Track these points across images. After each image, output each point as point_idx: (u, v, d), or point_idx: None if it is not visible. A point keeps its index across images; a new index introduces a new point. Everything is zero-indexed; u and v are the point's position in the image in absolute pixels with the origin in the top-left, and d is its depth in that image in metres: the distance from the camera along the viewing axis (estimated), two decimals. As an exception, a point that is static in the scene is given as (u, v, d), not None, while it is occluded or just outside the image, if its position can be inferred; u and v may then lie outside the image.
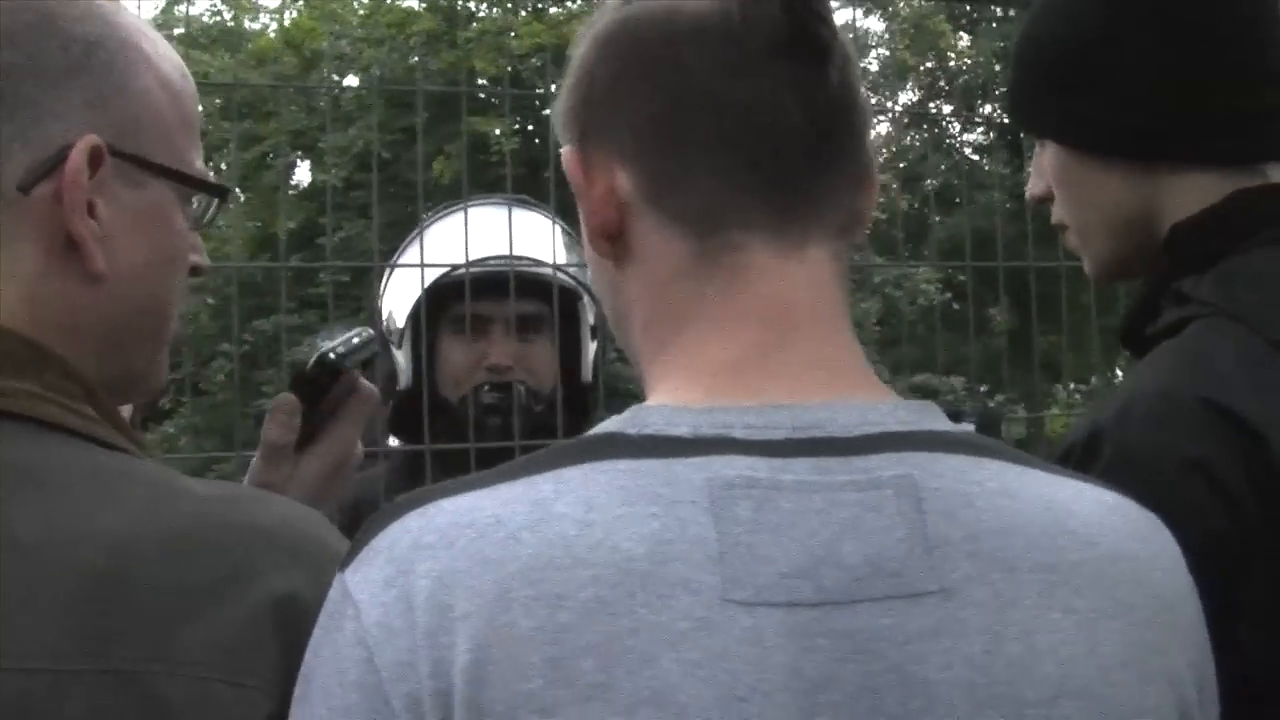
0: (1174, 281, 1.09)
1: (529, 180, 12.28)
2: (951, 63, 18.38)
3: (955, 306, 9.57)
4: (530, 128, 12.26)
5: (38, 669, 0.68)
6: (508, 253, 1.86)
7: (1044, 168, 1.20)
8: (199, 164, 0.91)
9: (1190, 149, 1.11)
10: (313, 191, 16.38)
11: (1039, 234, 2.28)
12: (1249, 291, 1.04)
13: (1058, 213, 1.21)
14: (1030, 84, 1.20)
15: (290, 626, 0.73)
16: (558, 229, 2.00)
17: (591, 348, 2.01)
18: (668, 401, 0.74)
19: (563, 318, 1.94)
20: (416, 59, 13.52)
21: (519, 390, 1.86)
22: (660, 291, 0.80)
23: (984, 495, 0.72)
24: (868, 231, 0.87)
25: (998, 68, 18.06)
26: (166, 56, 0.89)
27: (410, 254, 2.00)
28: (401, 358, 1.94)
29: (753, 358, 0.75)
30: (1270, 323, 1.01)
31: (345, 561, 0.70)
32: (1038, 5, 1.22)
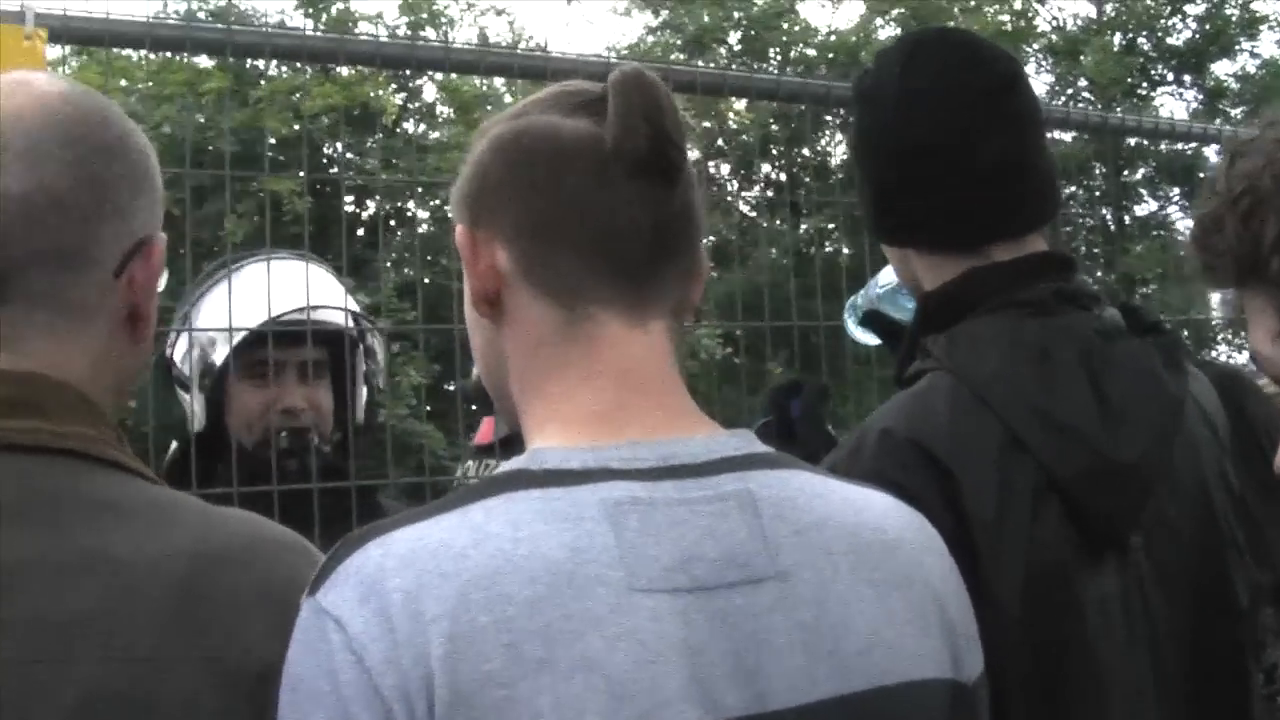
0: (922, 338, 1.38)
1: (319, 237, 12.06)
2: (731, 122, 18.88)
3: (736, 360, 9.82)
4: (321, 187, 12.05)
5: (143, 658, 0.86)
6: (303, 304, 1.96)
7: None
8: None
9: (923, 238, 1.43)
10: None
11: (820, 289, 2.39)
12: (963, 351, 1.32)
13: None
14: (862, 181, 1.51)
15: None
16: (335, 280, 2.14)
17: (363, 393, 2.13)
18: (556, 444, 0.93)
19: (339, 365, 2.06)
20: (208, 117, 13.11)
21: (312, 436, 1.99)
22: (532, 350, 0.99)
23: (803, 498, 0.94)
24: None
25: (775, 127, 18.63)
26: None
27: (208, 304, 2.06)
28: (194, 402, 2.01)
29: (614, 407, 0.95)
30: (974, 377, 1.29)
31: (313, 588, 0.86)
32: None
